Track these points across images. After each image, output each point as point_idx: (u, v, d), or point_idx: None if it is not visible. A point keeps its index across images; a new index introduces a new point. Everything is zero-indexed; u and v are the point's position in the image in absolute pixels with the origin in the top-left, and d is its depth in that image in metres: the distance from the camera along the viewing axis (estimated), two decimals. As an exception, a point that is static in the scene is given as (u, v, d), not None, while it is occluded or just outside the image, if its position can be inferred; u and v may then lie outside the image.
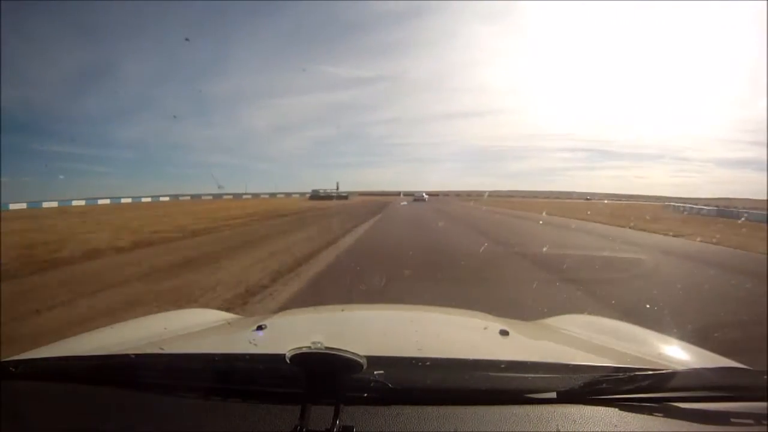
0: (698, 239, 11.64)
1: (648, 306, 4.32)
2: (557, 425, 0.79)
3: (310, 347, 0.74)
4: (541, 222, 18.03)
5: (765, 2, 43.41)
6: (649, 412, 0.83)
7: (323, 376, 0.77)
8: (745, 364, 1.08)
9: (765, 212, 19.59)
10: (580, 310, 2.73)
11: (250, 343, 1.15)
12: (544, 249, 8.56)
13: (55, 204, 43.21)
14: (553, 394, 0.85)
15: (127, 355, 0.98)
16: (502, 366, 0.93)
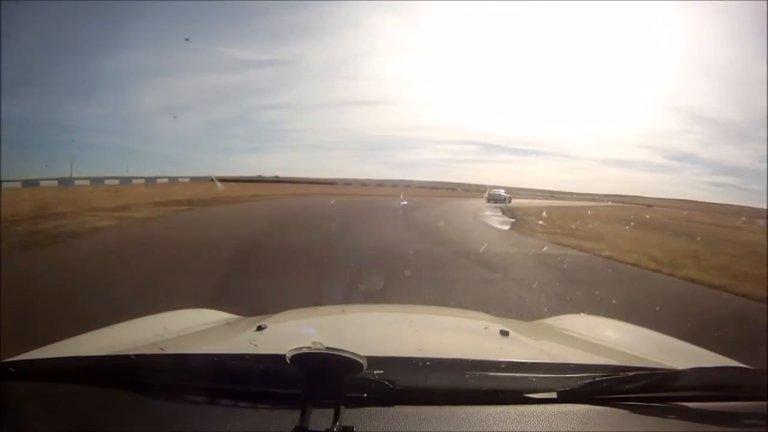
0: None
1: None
2: (557, 425, 0.79)
3: (310, 347, 0.74)
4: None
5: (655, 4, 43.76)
6: (649, 411, 0.83)
7: (323, 376, 0.77)
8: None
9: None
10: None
11: (250, 343, 1.15)
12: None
13: None
14: (553, 394, 0.85)
15: (127, 355, 0.98)
16: (503, 366, 0.93)
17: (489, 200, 26.30)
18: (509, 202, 26.05)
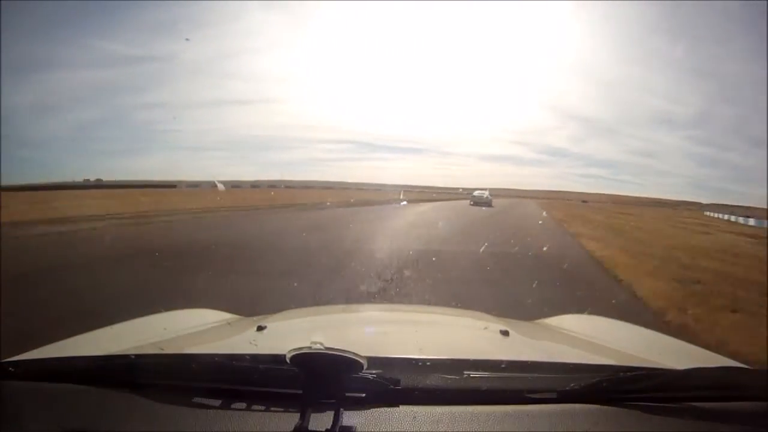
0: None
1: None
2: (557, 425, 0.79)
3: (310, 347, 0.74)
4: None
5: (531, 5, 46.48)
6: (649, 411, 0.83)
7: (324, 376, 0.77)
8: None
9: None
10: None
11: (250, 343, 1.15)
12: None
13: None
14: (553, 394, 0.85)
15: (127, 355, 0.98)
16: (503, 366, 0.93)
17: (473, 203, 26.83)
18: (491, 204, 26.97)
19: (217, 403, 0.83)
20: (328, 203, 25.27)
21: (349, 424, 0.75)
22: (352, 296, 4.54)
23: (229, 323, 1.54)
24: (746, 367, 1.04)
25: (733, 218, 36.31)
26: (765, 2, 39.47)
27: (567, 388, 0.84)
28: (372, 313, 1.87)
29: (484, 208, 25.27)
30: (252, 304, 3.62)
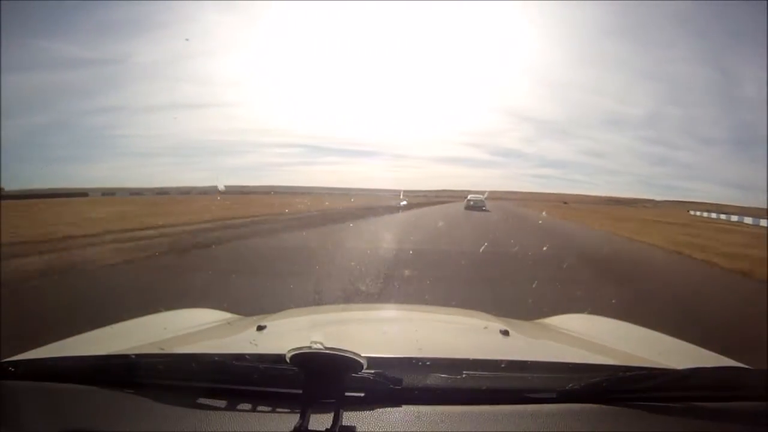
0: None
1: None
2: (557, 425, 0.79)
3: (310, 347, 0.74)
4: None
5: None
6: (649, 411, 0.83)
7: (323, 376, 0.77)
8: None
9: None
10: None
11: (250, 343, 1.15)
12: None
13: None
14: (553, 394, 0.85)
15: (127, 355, 0.98)
16: (503, 366, 0.93)
17: (468, 207, 25.64)
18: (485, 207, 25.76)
19: (217, 402, 0.83)
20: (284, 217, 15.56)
21: (348, 424, 0.75)
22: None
23: (229, 323, 1.54)
24: (746, 367, 1.04)
25: (719, 216, 38.18)
26: (712, 7, 40.92)
27: (567, 388, 0.84)
28: (372, 313, 1.87)
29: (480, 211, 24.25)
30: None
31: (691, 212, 46.19)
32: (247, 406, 0.81)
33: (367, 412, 0.79)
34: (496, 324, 1.33)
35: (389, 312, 1.94)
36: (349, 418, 0.76)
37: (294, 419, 0.73)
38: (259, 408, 0.81)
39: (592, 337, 1.41)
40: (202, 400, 0.83)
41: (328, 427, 0.72)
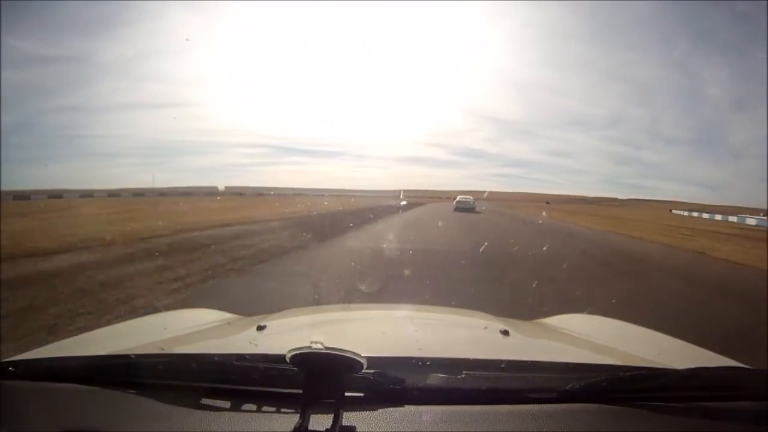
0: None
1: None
2: (557, 425, 0.79)
3: (310, 347, 0.74)
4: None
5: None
6: (649, 411, 0.83)
7: (323, 376, 0.77)
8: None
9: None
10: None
11: (250, 343, 1.15)
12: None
13: None
14: (554, 394, 0.85)
15: (127, 355, 0.98)
16: (503, 366, 0.93)
17: (457, 208, 25.34)
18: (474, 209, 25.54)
19: (218, 402, 0.83)
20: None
21: (348, 424, 0.75)
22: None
23: (228, 323, 1.54)
24: (746, 367, 1.04)
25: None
26: (677, 10, 42.07)
27: (567, 388, 0.84)
28: (372, 313, 1.86)
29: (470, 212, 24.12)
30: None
31: (674, 211, 48.82)
32: (247, 406, 0.81)
33: (367, 412, 0.79)
34: (496, 324, 1.33)
35: (389, 312, 1.93)
36: (349, 418, 0.76)
37: (294, 419, 0.73)
38: (259, 408, 0.81)
39: (591, 336, 1.41)
40: (202, 400, 0.83)
41: (328, 427, 0.72)
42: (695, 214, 39.79)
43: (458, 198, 27.32)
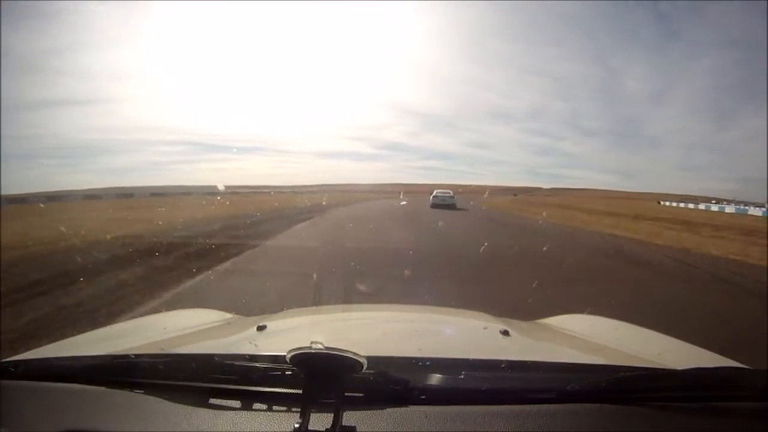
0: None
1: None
2: (557, 425, 0.79)
3: (310, 347, 0.74)
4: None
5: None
6: (649, 411, 0.83)
7: (323, 376, 0.77)
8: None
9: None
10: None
11: (250, 343, 1.15)
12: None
13: None
14: (553, 394, 0.85)
15: (127, 355, 0.98)
16: (503, 366, 0.93)
17: (434, 205, 21.87)
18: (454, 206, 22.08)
19: (218, 402, 0.83)
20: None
21: (348, 424, 0.75)
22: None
23: (229, 323, 1.54)
24: (746, 367, 1.04)
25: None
26: (598, 8, 42.49)
27: (567, 388, 0.84)
28: (372, 313, 1.86)
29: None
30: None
31: (662, 203, 52.61)
32: (248, 406, 0.82)
33: (368, 412, 0.79)
34: (496, 324, 1.33)
35: (389, 312, 1.93)
36: (349, 418, 0.76)
37: (294, 419, 0.73)
38: (260, 408, 0.81)
39: (592, 337, 1.41)
40: (201, 400, 0.83)
41: (328, 427, 0.72)
42: (682, 204, 41.79)
43: (435, 193, 23.47)
